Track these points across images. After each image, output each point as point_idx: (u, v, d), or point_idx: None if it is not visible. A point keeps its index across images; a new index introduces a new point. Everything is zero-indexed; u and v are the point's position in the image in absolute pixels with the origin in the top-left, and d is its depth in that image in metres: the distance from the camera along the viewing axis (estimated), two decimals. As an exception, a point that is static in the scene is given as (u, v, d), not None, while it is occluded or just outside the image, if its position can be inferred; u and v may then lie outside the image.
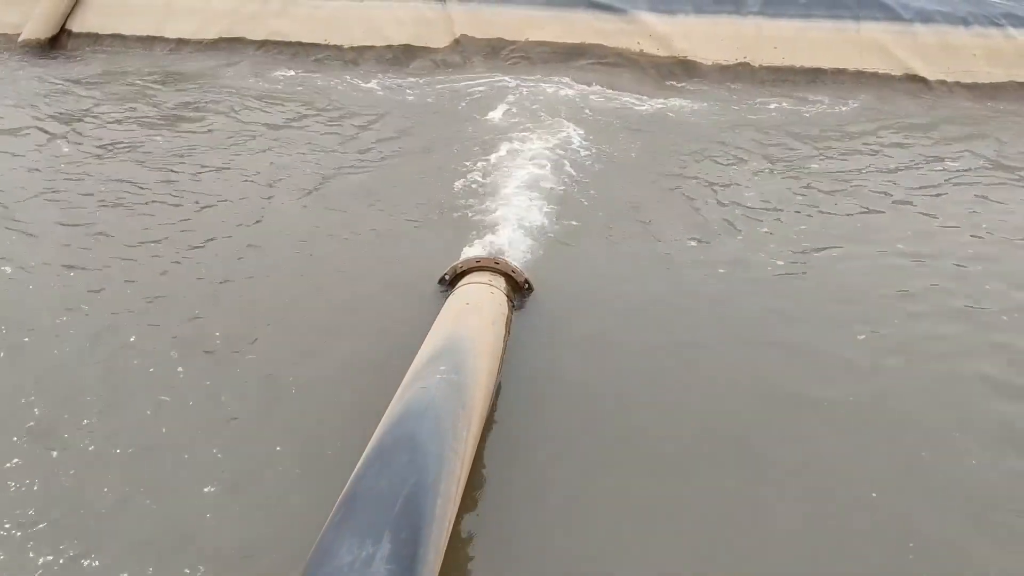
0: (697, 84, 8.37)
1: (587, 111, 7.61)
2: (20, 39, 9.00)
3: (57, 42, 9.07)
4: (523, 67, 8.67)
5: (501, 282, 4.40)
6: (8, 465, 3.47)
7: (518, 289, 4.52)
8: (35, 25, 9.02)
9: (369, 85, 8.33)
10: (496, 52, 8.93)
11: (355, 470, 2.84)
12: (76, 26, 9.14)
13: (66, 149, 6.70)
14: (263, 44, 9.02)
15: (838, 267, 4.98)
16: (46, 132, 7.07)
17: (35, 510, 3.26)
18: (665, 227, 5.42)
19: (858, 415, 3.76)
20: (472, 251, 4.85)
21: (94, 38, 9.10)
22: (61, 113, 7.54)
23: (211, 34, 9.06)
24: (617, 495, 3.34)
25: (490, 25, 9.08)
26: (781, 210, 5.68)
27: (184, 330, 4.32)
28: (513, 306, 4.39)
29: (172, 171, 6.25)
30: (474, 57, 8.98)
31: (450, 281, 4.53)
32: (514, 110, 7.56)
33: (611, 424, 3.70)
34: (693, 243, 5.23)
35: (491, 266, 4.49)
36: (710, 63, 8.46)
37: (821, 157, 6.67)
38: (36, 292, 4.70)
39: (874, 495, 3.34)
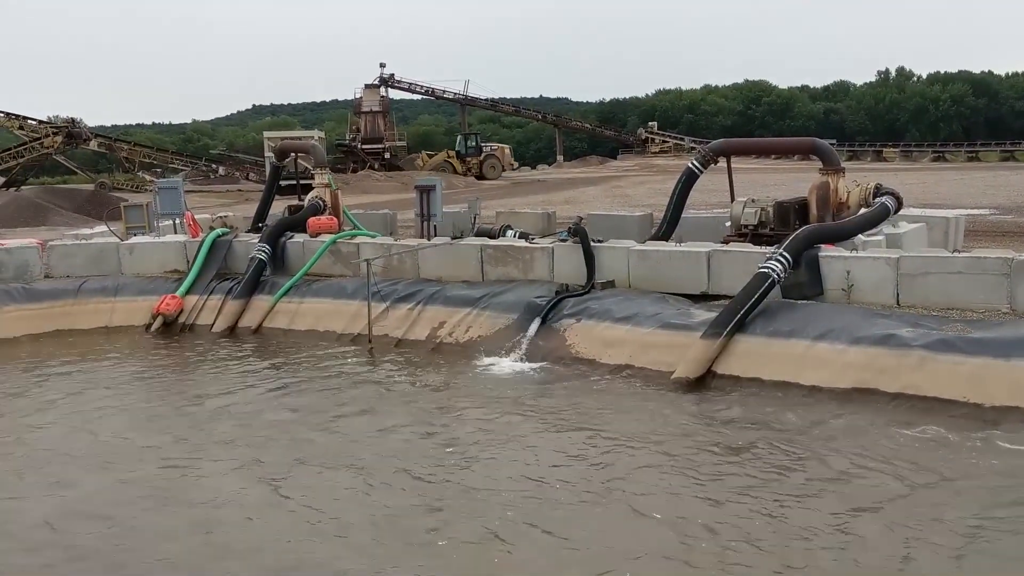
0: None
1: None
2: (673, 376, 10.30)
3: (703, 381, 10.16)
4: None
5: None
6: None
7: None
8: (686, 366, 10.28)
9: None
10: None
11: None
12: (721, 369, 10.19)
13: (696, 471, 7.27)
14: (896, 396, 8.95)
15: None
16: (679, 456, 7.83)
17: None
18: None
19: None
20: None
21: (735, 380, 10.01)
22: (701, 440, 8.32)
23: (844, 383, 9.31)
24: None
25: None
26: None
27: None
28: None
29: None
30: None
31: None
32: None
33: None
34: None
35: None
36: None
37: None
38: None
39: None
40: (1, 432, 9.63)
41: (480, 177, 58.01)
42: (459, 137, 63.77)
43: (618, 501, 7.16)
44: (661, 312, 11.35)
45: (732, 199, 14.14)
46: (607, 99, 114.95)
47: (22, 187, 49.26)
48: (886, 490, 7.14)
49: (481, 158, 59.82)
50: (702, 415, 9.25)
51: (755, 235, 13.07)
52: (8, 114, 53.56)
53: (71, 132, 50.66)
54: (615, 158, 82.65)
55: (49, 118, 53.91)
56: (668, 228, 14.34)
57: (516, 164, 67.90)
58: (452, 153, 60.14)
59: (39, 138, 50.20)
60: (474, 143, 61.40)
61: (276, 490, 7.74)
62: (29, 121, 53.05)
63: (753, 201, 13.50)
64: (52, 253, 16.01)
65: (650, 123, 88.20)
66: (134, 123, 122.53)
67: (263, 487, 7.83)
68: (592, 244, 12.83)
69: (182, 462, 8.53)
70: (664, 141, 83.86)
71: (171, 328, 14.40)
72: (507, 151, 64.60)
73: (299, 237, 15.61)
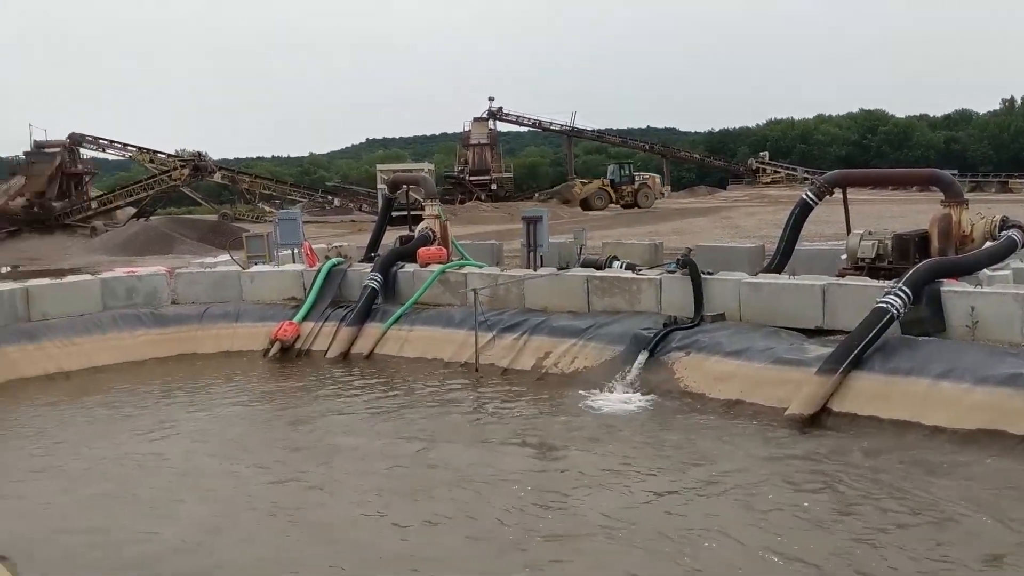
0: None
1: None
2: (786, 413, 10.03)
3: (817, 419, 9.86)
4: None
5: None
6: None
7: None
8: (800, 403, 10.00)
9: None
10: None
11: None
12: (837, 406, 9.86)
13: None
14: (1026, 441, 8.48)
15: None
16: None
17: None
18: None
19: None
20: None
21: (852, 418, 9.67)
22: (814, 481, 8.05)
23: (969, 424, 8.88)
24: None
25: None
26: None
27: None
28: None
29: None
30: None
31: None
32: None
33: None
34: None
35: None
36: None
37: None
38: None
39: None
40: (121, 453, 10.09)
41: (630, 206, 58.36)
42: (612, 166, 64.12)
43: (723, 541, 6.99)
44: (774, 347, 11.09)
45: (848, 231, 13.74)
46: (716, 129, 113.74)
47: (151, 217, 52.06)
48: (1011, 539, 6.76)
49: (636, 186, 59.98)
50: (816, 454, 8.96)
51: (872, 268, 12.66)
52: (140, 148, 56.82)
53: (197, 165, 53.34)
54: (724, 188, 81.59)
55: (176, 152, 56.95)
56: (781, 260, 14.02)
57: (665, 192, 68.00)
58: (607, 182, 60.49)
59: (168, 171, 53.01)
60: (627, 172, 61.64)
61: (378, 512, 7.90)
62: (159, 155, 56.16)
63: (870, 233, 13.09)
64: (179, 280, 16.82)
65: (761, 153, 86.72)
66: (255, 156, 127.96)
67: (364, 510, 7.99)
68: (702, 276, 12.66)
69: (291, 483, 8.80)
70: (776, 171, 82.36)
71: (288, 353, 14.89)
72: (657, 180, 64.71)
73: (409, 267, 15.95)
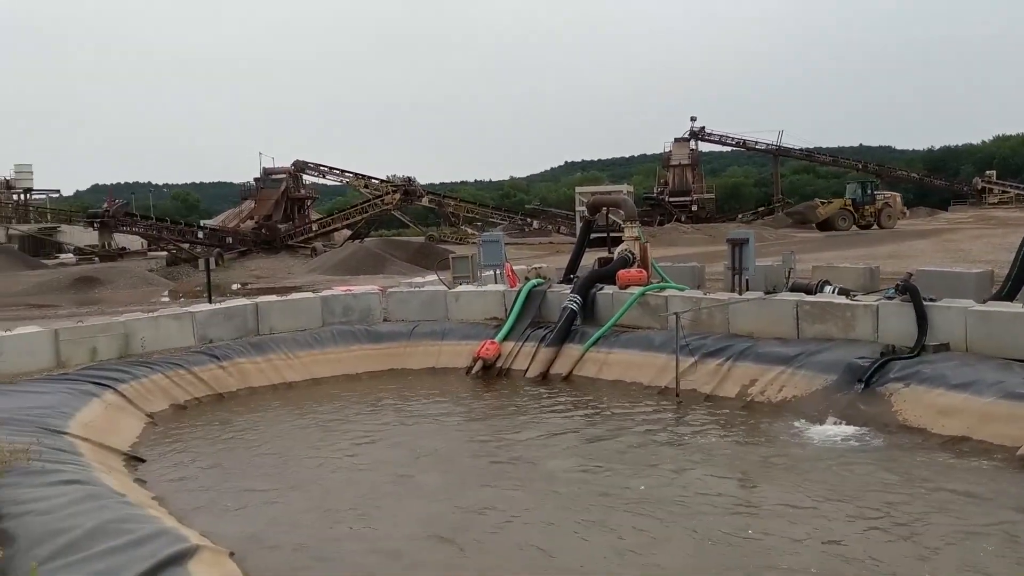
0: None
1: None
2: (1019, 452, 9.15)
3: (1062, 463, 8.93)
4: None
5: None
6: None
7: None
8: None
9: None
10: None
11: None
12: (1083, 449, 8.89)
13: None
14: None
15: None
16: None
17: None
18: None
19: None
20: None
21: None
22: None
23: None
24: None
25: None
26: None
27: None
28: None
29: None
30: None
31: None
32: None
33: None
34: None
35: None
36: None
37: None
38: None
39: None
40: (335, 462, 10.64)
41: (869, 226, 56.43)
42: (852, 185, 62.27)
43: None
44: (1005, 380, 10.16)
45: (1095, 255, 12.42)
46: (936, 147, 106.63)
47: (365, 239, 55.23)
48: None
49: (878, 206, 57.86)
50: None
51: (1125, 297, 11.37)
52: (357, 174, 60.46)
53: (407, 190, 56.13)
54: (946, 210, 76.23)
55: (388, 177, 60.19)
56: (1013, 287, 12.87)
57: (907, 212, 65.00)
58: (849, 202, 58.81)
59: (380, 196, 56.08)
60: (869, 191, 59.66)
61: (561, 533, 7.88)
62: (372, 180, 59.50)
63: (1122, 258, 11.77)
64: (390, 299, 17.69)
65: (987, 172, 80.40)
66: (458, 180, 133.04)
67: (550, 530, 7.98)
68: (924, 303, 11.82)
69: (474, 501, 8.90)
70: (1004, 191, 76.10)
71: (489, 372, 15.26)
72: (898, 199, 61.96)
73: (608, 288, 15.93)
